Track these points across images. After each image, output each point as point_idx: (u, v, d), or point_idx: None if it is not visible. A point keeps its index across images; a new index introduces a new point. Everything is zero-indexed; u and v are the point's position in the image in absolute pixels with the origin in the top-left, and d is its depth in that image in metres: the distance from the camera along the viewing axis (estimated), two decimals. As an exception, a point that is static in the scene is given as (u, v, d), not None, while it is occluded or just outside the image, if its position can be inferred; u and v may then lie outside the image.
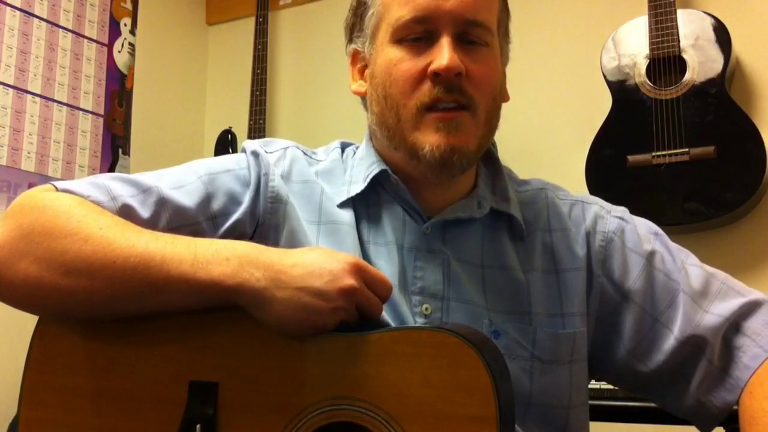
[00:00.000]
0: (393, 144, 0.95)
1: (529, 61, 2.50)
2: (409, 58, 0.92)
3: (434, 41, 0.91)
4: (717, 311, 0.93)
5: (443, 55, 0.89)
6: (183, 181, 0.94)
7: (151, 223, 0.89)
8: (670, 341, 0.94)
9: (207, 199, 0.94)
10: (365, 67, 1.00)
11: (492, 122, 0.96)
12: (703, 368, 0.92)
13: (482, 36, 0.94)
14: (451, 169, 0.92)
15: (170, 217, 0.91)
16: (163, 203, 0.91)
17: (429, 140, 0.90)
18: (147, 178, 0.93)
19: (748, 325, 0.92)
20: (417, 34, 0.92)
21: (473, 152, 0.93)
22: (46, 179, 2.39)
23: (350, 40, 1.02)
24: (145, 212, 0.89)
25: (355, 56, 1.01)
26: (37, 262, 0.81)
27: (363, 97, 1.01)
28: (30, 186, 2.34)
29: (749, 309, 0.93)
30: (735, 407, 0.91)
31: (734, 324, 0.92)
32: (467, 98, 0.91)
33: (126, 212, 0.88)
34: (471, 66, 0.91)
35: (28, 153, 2.36)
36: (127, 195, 0.89)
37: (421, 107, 0.91)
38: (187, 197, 0.92)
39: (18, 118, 2.34)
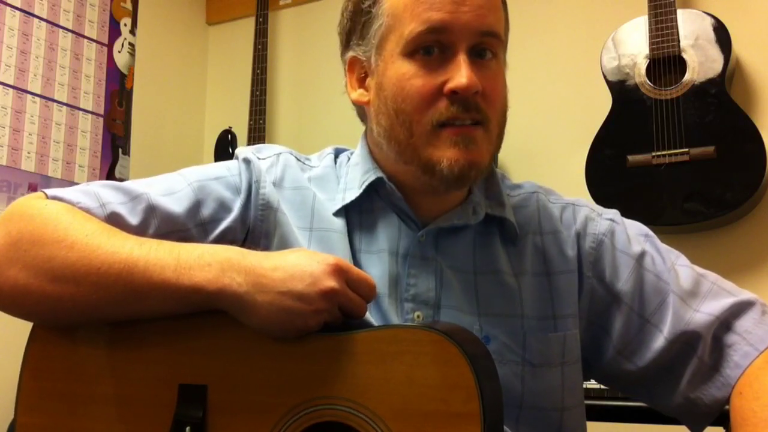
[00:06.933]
0: (403, 158, 0.93)
1: (530, 62, 2.50)
2: (422, 74, 0.90)
3: (448, 56, 0.90)
4: (707, 310, 0.93)
5: (462, 73, 0.88)
6: (173, 188, 0.94)
7: (139, 230, 0.89)
8: (659, 341, 0.94)
9: (197, 206, 0.94)
10: (365, 75, 0.98)
11: (501, 135, 0.96)
12: (693, 366, 0.93)
13: (494, 47, 0.93)
14: (466, 183, 0.93)
15: (159, 224, 0.91)
16: (151, 210, 0.91)
17: (446, 155, 0.89)
18: (138, 185, 0.94)
19: (739, 324, 0.92)
20: (430, 47, 0.90)
21: (487, 166, 0.93)
22: (46, 179, 2.40)
23: (347, 47, 0.99)
24: (133, 219, 0.90)
25: (354, 64, 0.99)
26: (25, 269, 0.82)
27: (360, 106, 1.00)
28: (30, 186, 2.34)
29: (740, 308, 0.93)
30: (726, 407, 0.91)
31: (725, 322, 0.93)
32: (482, 115, 0.90)
33: (115, 219, 0.88)
34: (485, 83, 0.90)
35: (28, 153, 2.36)
36: (116, 202, 0.90)
37: (436, 124, 0.89)
38: (177, 204, 0.93)
39: (18, 118, 2.34)
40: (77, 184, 0.92)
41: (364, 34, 0.96)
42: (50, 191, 0.90)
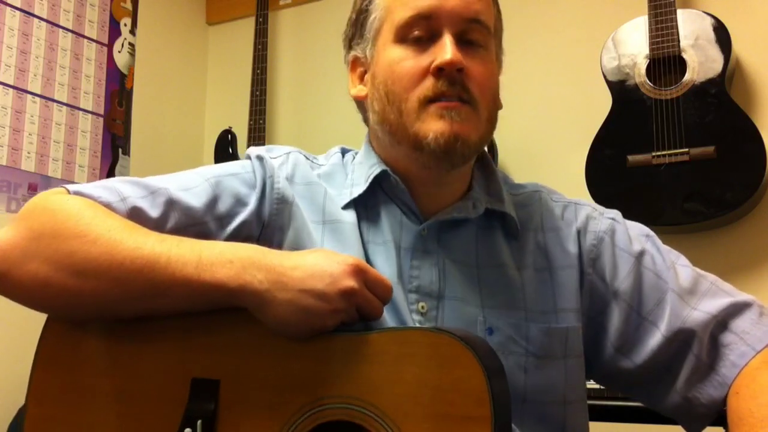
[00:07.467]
0: (395, 139, 0.96)
1: (530, 62, 2.50)
2: (411, 56, 0.94)
3: (435, 40, 0.93)
4: (705, 308, 0.94)
5: (446, 50, 0.91)
6: (190, 184, 0.96)
7: (160, 223, 0.91)
8: (657, 338, 0.95)
9: (214, 200, 0.95)
10: (365, 72, 1.01)
11: (491, 121, 0.98)
12: (690, 364, 0.93)
13: (482, 35, 0.96)
14: (453, 158, 0.93)
15: (179, 217, 0.92)
16: (171, 203, 0.93)
17: (433, 128, 0.91)
18: (155, 180, 0.96)
19: (736, 324, 0.93)
20: (419, 33, 0.94)
21: (475, 143, 0.94)
22: (46, 179, 2.40)
23: (349, 49, 1.04)
24: (154, 212, 0.91)
25: (355, 63, 1.03)
26: (46, 262, 0.83)
27: (360, 102, 1.03)
28: (30, 186, 2.34)
29: (738, 309, 0.94)
30: (723, 408, 0.91)
31: (722, 322, 0.93)
32: (469, 94, 0.93)
33: (136, 213, 0.90)
34: (471, 65, 0.93)
35: (28, 153, 2.36)
36: (136, 196, 0.91)
37: (423, 100, 0.92)
38: (195, 198, 0.94)
39: (18, 118, 2.34)
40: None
41: (362, 33, 1.01)
42: (71, 187, 0.91)
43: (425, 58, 0.93)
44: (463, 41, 0.94)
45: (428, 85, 0.92)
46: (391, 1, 0.97)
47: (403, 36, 0.95)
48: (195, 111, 3.16)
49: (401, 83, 0.94)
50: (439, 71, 0.91)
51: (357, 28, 1.02)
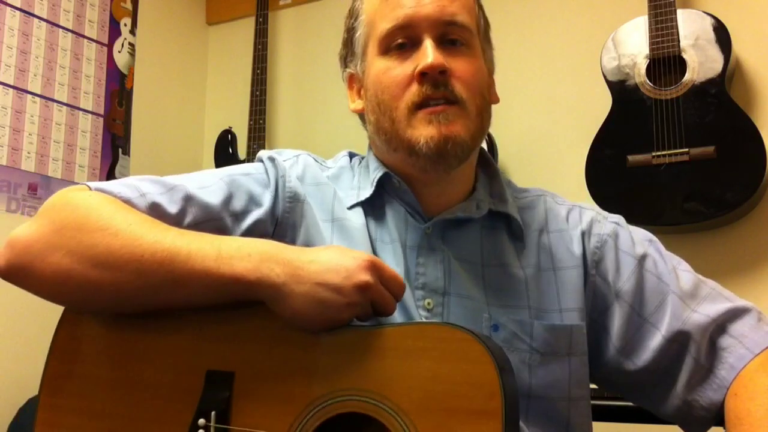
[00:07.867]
0: (391, 146, 0.99)
1: (530, 62, 2.50)
2: (396, 65, 0.97)
3: (418, 47, 0.96)
4: (705, 311, 0.95)
5: (427, 54, 0.94)
6: (206, 183, 0.98)
7: (178, 218, 0.93)
8: (657, 339, 0.96)
9: (229, 197, 0.98)
10: (361, 87, 1.05)
11: (483, 117, 1.00)
12: (689, 367, 0.94)
13: (463, 35, 0.98)
14: (447, 159, 0.95)
15: (196, 213, 0.95)
16: (189, 199, 0.95)
17: (423, 134, 0.94)
18: (172, 179, 0.98)
19: (734, 328, 0.94)
20: (402, 40, 0.97)
21: (467, 142, 0.96)
22: (46, 179, 2.40)
23: (345, 67, 1.08)
24: (172, 208, 0.93)
25: (351, 80, 1.07)
26: (69, 255, 0.84)
27: (362, 114, 1.06)
28: (30, 186, 2.34)
29: (737, 313, 0.95)
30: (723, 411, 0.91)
31: (721, 326, 0.95)
32: (454, 95, 0.95)
33: (155, 208, 0.92)
34: (454, 64, 0.96)
35: (28, 153, 2.36)
36: (155, 192, 0.93)
37: (411, 106, 0.95)
38: (212, 195, 0.97)
39: (18, 118, 2.34)
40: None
41: (353, 50, 1.05)
42: (93, 184, 0.93)
43: (409, 65, 0.96)
44: (445, 42, 0.97)
45: (414, 90, 0.95)
46: (372, 16, 1.00)
47: (386, 47, 0.98)
48: (195, 111, 3.16)
49: (390, 92, 0.97)
50: (423, 76, 0.94)
51: (348, 46, 1.06)
